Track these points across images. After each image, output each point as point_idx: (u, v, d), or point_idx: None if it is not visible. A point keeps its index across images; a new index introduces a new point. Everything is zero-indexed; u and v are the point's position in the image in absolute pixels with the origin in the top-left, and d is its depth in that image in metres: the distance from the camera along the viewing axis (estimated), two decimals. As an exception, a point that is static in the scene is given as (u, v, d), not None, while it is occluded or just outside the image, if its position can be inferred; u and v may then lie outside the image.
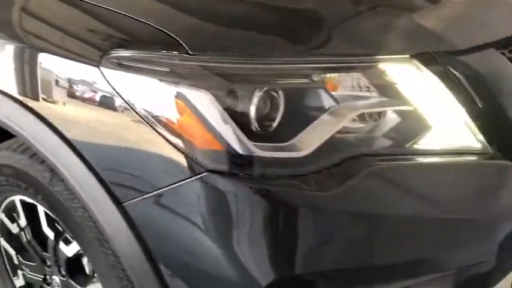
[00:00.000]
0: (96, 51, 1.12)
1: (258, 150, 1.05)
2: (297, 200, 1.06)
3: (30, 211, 1.49)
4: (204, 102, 1.04)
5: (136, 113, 1.07)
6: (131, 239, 1.14)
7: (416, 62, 1.14)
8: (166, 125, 1.06)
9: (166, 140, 1.07)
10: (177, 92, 1.05)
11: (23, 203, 1.50)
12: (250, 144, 1.04)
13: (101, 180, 1.15)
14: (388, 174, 1.11)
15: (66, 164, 1.18)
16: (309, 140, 1.07)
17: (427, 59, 1.15)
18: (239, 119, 1.05)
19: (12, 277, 1.70)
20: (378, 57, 1.13)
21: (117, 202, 1.14)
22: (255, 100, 1.05)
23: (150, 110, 1.07)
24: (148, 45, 1.10)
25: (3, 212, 1.58)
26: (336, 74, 1.12)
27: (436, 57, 1.16)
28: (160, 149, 1.08)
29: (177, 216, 1.08)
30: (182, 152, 1.06)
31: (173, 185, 1.07)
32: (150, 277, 1.14)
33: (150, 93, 1.07)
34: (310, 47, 1.11)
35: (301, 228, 1.04)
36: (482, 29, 1.25)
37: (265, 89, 1.06)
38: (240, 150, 1.04)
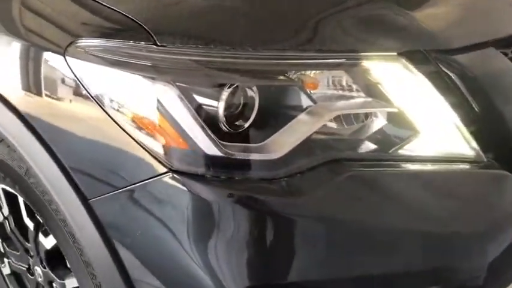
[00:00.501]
0: (63, 39, 1.06)
1: (227, 151, 0.98)
2: (265, 205, 0.99)
3: (12, 200, 1.46)
4: (170, 97, 0.98)
5: (99, 105, 1.02)
6: (97, 238, 1.09)
7: (403, 60, 1.05)
8: (130, 120, 1.01)
9: (130, 136, 1.01)
10: (142, 85, 0.99)
11: (4, 191, 1.47)
12: (217, 144, 0.98)
13: (67, 175, 1.10)
14: (369, 181, 1.04)
15: (33, 157, 1.14)
16: (283, 142, 1.00)
17: (416, 57, 1.06)
18: (207, 117, 0.99)
19: (-1, 264, 1.68)
20: (361, 54, 1.04)
21: (83, 198, 1.09)
22: (224, 97, 0.98)
23: (113, 103, 1.02)
24: (116, 34, 1.04)
25: (-12, 199, 1.56)
26: (316, 72, 1.04)
27: (427, 55, 1.07)
28: (124, 146, 1.02)
29: (139, 217, 1.02)
30: (146, 150, 1.00)
31: (136, 184, 1.01)
32: (115, 276, 1.09)
33: (114, 85, 1.02)
34: (288, 42, 1.03)
35: (268, 235, 0.97)
36: (481, 26, 1.15)
37: (234, 85, 0.99)
38: (206, 150, 0.98)
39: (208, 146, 0.98)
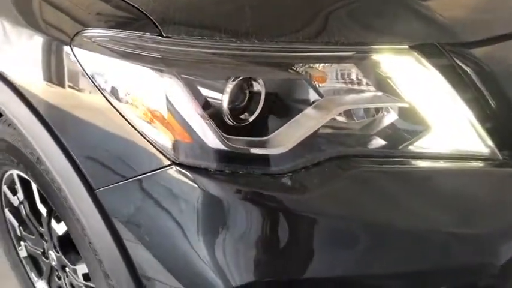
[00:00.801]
0: (71, 29, 1.06)
1: (230, 145, 0.96)
2: (267, 200, 0.97)
3: (27, 186, 1.48)
4: (174, 89, 0.97)
5: (104, 96, 1.01)
6: (102, 227, 1.09)
7: (416, 53, 1.01)
8: (133, 111, 1.00)
9: (134, 127, 1.00)
10: (147, 77, 0.98)
11: (19, 177, 1.48)
12: (221, 137, 0.96)
13: (74, 165, 1.10)
14: (377, 178, 1.01)
15: (42, 146, 1.14)
16: (288, 136, 0.98)
17: (430, 51, 1.02)
18: (211, 110, 0.97)
19: (17, 247, 1.71)
20: (371, 47, 1.01)
21: (89, 188, 1.09)
22: (229, 90, 0.96)
23: (118, 94, 1.01)
24: (123, 24, 1.03)
25: (5, 184, 1.58)
26: (324, 65, 1.01)
27: (442, 49, 1.03)
28: (127, 137, 1.02)
29: (142, 209, 1.02)
30: (149, 142, 0.99)
31: (140, 176, 1.01)
32: (120, 265, 1.09)
33: (118, 76, 1.01)
34: (295, 34, 1.00)
35: (270, 231, 0.96)
36: (502, 17, 1.10)
37: (239, 78, 0.97)
38: (209, 144, 0.96)
39: (211, 140, 0.96)
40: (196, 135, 0.97)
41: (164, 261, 1.02)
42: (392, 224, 0.99)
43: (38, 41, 1.12)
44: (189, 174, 0.97)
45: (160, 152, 0.99)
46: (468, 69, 1.05)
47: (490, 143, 1.06)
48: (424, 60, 1.02)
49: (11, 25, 1.18)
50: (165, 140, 0.99)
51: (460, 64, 1.04)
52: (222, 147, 0.96)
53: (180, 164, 0.98)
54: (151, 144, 0.99)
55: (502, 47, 1.07)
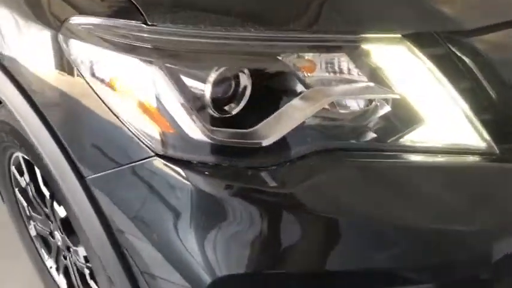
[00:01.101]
0: (59, 17, 1.05)
1: (213, 137, 0.95)
2: (250, 193, 0.96)
3: (31, 168, 1.50)
4: (157, 78, 0.95)
5: (88, 84, 1.00)
6: (93, 215, 1.09)
7: (408, 43, 0.97)
8: (117, 101, 0.99)
9: (117, 117, 0.99)
10: (130, 66, 0.97)
11: (24, 159, 1.50)
12: (204, 129, 0.95)
13: (65, 152, 1.10)
14: (365, 172, 0.98)
15: (34, 132, 1.14)
16: (274, 128, 0.95)
17: (424, 40, 0.98)
18: (194, 100, 0.95)
19: (27, 226, 1.75)
20: (362, 35, 0.97)
21: (80, 176, 1.09)
22: (212, 79, 0.94)
23: (102, 82, 1.00)
24: (109, 12, 1.01)
25: (13, 165, 1.60)
26: (312, 54, 0.98)
27: (437, 38, 0.98)
28: (113, 126, 1.01)
29: (126, 200, 1.02)
30: (132, 133, 0.99)
31: (123, 167, 1.00)
32: (109, 252, 1.10)
33: (102, 63, 1.00)
34: (282, 22, 0.97)
35: (251, 224, 0.94)
36: (503, 3, 1.04)
37: (223, 68, 0.95)
38: (191, 135, 0.95)
39: (194, 131, 0.95)
40: (179, 126, 0.95)
41: (148, 250, 1.02)
42: (380, 219, 0.96)
43: (29, 27, 1.12)
44: (171, 166, 0.96)
45: (143, 142, 0.98)
46: (465, 59, 1.00)
47: (487, 136, 1.02)
48: (417, 50, 0.97)
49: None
50: (149, 130, 0.98)
51: (457, 53, 1.00)
52: (204, 139, 0.95)
53: (162, 156, 0.97)
54: (134, 135, 0.98)
55: (501, 35, 1.01)
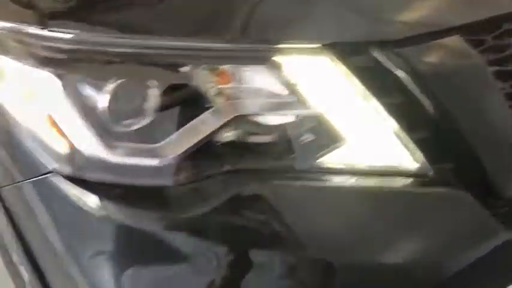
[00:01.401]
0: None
1: (110, 154, 0.88)
2: (146, 216, 0.89)
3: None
4: (53, 89, 0.88)
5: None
6: (8, 225, 1.04)
7: (330, 53, 0.87)
8: (12, 112, 0.93)
9: (16, 130, 0.93)
10: (24, 74, 0.90)
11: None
12: (101, 145, 0.87)
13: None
14: (272, 195, 0.89)
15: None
16: (176, 146, 0.88)
17: (347, 50, 0.88)
18: (92, 114, 0.88)
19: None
20: (279, 46, 0.88)
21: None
22: (110, 91, 0.87)
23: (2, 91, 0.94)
24: (8, 15, 0.95)
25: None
26: (228, 66, 0.89)
27: (363, 48, 0.89)
28: (14, 140, 0.95)
29: (28, 214, 0.96)
30: (31, 147, 0.92)
31: (22, 182, 0.94)
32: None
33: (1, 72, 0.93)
34: (192, 30, 0.88)
35: (142, 249, 0.87)
36: (444, 9, 0.93)
37: (121, 80, 0.87)
38: (87, 152, 0.88)
39: (89, 147, 0.88)
40: (75, 141, 0.88)
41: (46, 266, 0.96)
42: (287, 249, 0.88)
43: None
44: (66, 184, 0.89)
45: (41, 158, 0.91)
46: (398, 72, 0.90)
47: (420, 156, 0.92)
48: (339, 62, 0.88)
49: None
50: (47, 145, 0.91)
51: (387, 66, 0.89)
52: (101, 155, 0.88)
53: (58, 173, 0.90)
54: (33, 150, 0.92)
55: (441, 44, 0.91)
